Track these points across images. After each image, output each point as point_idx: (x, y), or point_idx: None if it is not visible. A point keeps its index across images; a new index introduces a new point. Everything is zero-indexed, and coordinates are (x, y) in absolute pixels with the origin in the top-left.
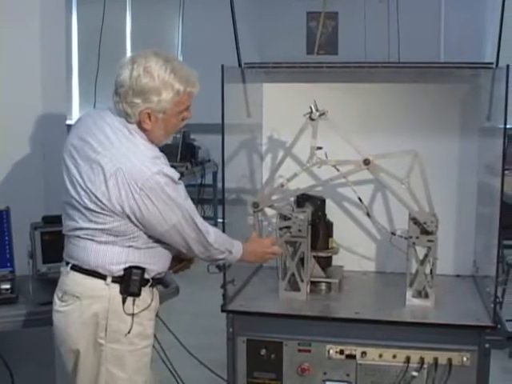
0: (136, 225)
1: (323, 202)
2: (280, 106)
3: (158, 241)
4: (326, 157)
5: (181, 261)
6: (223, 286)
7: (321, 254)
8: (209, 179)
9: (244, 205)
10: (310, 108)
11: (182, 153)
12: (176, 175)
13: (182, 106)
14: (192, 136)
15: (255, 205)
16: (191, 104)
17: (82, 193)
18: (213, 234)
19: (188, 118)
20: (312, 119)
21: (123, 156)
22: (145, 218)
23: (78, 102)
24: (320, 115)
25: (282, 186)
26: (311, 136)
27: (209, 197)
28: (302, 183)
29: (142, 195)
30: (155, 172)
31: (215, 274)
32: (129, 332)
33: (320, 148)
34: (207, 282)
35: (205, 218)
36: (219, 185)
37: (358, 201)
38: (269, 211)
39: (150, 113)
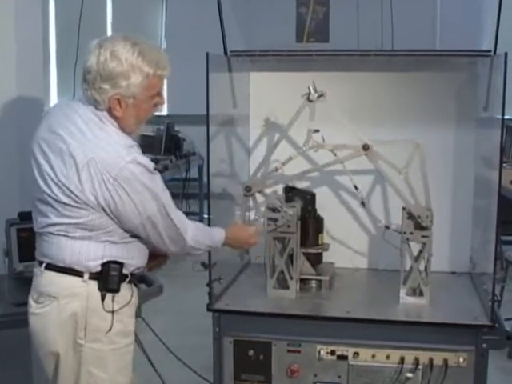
0: (111, 217)
1: (313, 196)
2: (268, 95)
3: (134, 235)
4: (323, 141)
5: (156, 257)
6: (209, 284)
7: (311, 251)
8: (194, 173)
9: (231, 199)
10: (309, 89)
11: (166, 145)
12: (151, 164)
13: (153, 90)
14: (176, 128)
15: (248, 188)
16: (163, 89)
17: (54, 187)
18: (191, 232)
19: (161, 103)
20: (310, 100)
21: (95, 146)
22: (119, 210)
23: (57, 91)
24: (319, 96)
25: (276, 169)
26: (308, 119)
27: (194, 191)
28: (297, 168)
29: (116, 186)
30: (129, 161)
31: (201, 271)
32: (109, 330)
33: (317, 131)
34: (192, 280)
35: (190, 213)
36: (205, 179)
37: (353, 190)
38: (259, 198)
39: (119, 98)
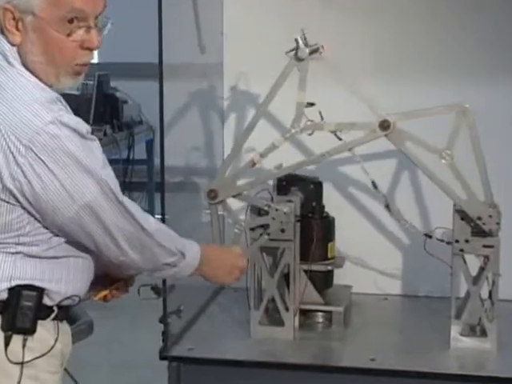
0: (27, 210)
1: (319, 185)
2: (251, 34)
3: (68, 242)
4: (322, 118)
5: (111, 281)
6: (163, 319)
7: (316, 268)
8: (140, 152)
9: (196, 192)
10: (296, 41)
11: (97, 110)
12: (84, 127)
13: (64, 8)
14: (113, 83)
15: (212, 194)
16: (90, 18)
17: None
18: (154, 223)
19: (90, 45)
20: (299, 59)
21: None
22: (40, 197)
23: None
24: (311, 53)
25: (252, 164)
26: (297, 86)
27: (140, 179)
28: (284, 160)
29: (30, 158)
30: (50, 121)
31: (150, 299)
32: None
33: (312, 105)
34: (137, 314)
35: None
36: (157, 161)
37: (371, 186)
38: (234, 203)
39: (12, 11)
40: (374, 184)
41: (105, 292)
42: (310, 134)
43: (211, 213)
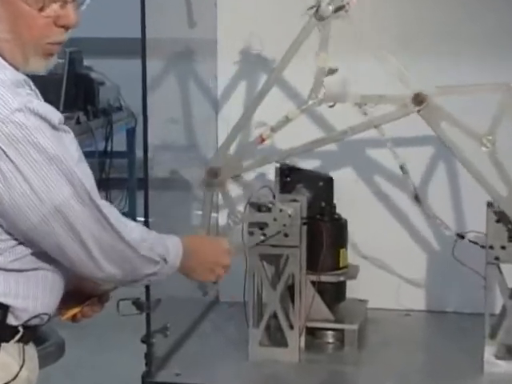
0: None
1: (329, 182)
2: (248, 6)
3: (36, 252)
4: (344, 89)
5: (83, 297)
6: (146, 339)
7: (326, 279)
8: (120, 143)
9: (186, 190)
10: None
11: (69, 93)
12: (55, 115)
13: None
14: (87, 62)
15: (212, 172)
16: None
17: None
18: (135, 230)
19: (66, 21)
20: (321, 18)
21: None
22: (1, 196)
23: None
24: (336, 10)
25: (261, 140)
26: (316, 50)
27: (120, 175)
28: (298, 138)
29: None
30: (16, 108)
31: (132, 315)
32: None
33: (334, 72)
34: (116, 333)
35: None
36: (139, 153)
37: (397, 174)
38: (234, 189)
39: None
40: (403, 169)
41: (75, 310)
42: (330, 107)
43: (205, 198)
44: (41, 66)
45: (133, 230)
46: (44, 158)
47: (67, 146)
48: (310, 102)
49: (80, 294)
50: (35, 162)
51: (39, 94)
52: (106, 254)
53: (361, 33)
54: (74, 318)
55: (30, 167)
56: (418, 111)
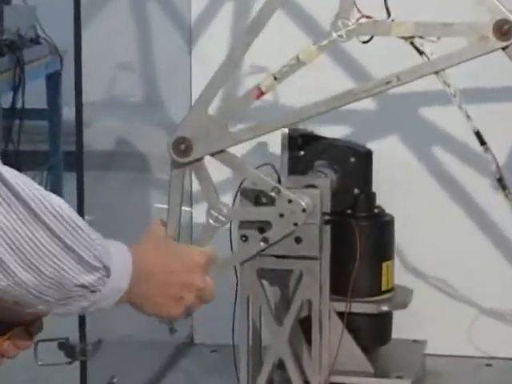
0: None
1: (365, 158)
2: None
3: None
4: (389, 13)
5: (1, 329)
6: None
7: (360, 309)
8: (37, 96)
9: (141, 170)
10: None
11: None
12: None
13: None
14: None
15: (181, 145)
16: None
17: None
18: (59, 208)
19: None
20: None
21: None
22: None
23: None
24: None
25: (259, 93)
26: None
27: (36, 147)
28: (314, 91)
29: None
30: None
31: (56, 365)
32: None
33: None
34: None
35: None
36: (68, 114)
37: (471, 145)
38: (216, 170)
39: None
40: (479, 136)
41: None
42: (365, 42)
43: (171, 183)
44: None
45: (56, 208)
46: None
47: None
48: (334, 35)
49: (5, 323)
50: None
51: None
52: (13, 247)
53: None
54: None
55: None
56: (503, 48)
